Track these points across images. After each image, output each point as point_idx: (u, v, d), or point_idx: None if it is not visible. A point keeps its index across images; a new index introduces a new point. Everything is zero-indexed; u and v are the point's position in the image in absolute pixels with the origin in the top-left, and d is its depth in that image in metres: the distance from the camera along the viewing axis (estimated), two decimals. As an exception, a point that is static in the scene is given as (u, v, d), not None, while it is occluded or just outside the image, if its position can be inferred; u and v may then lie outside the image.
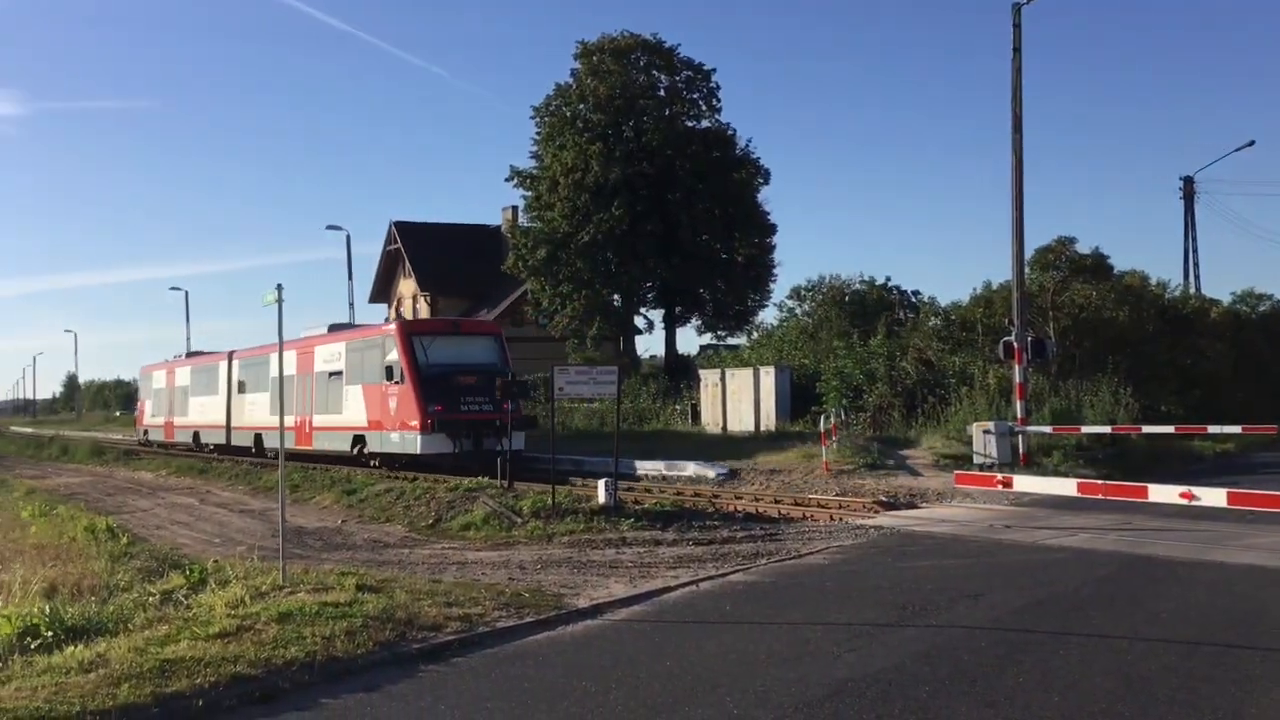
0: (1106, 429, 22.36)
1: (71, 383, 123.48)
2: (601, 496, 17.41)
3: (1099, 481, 12.09)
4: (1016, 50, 23.26)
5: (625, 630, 9.65)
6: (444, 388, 26.16)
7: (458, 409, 25.94)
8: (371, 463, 27.90)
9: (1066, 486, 12.34)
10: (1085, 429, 22.62)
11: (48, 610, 9.70)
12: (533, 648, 9.00)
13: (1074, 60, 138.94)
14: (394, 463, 27.05)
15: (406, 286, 60.57)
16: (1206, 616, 9.49)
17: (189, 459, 36.41)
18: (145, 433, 48.45)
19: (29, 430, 77.76)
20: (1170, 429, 22.95)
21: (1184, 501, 10.38)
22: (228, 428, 37.82)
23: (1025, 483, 13.10)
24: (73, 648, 8.60)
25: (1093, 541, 13.70)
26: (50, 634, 9.09)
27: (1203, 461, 25.18)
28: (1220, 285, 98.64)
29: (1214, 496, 8.84)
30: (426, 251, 57.88)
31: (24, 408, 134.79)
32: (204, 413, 40.61)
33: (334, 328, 32.64)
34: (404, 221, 59.83)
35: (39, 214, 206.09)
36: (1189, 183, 45.55)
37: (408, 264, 58.79)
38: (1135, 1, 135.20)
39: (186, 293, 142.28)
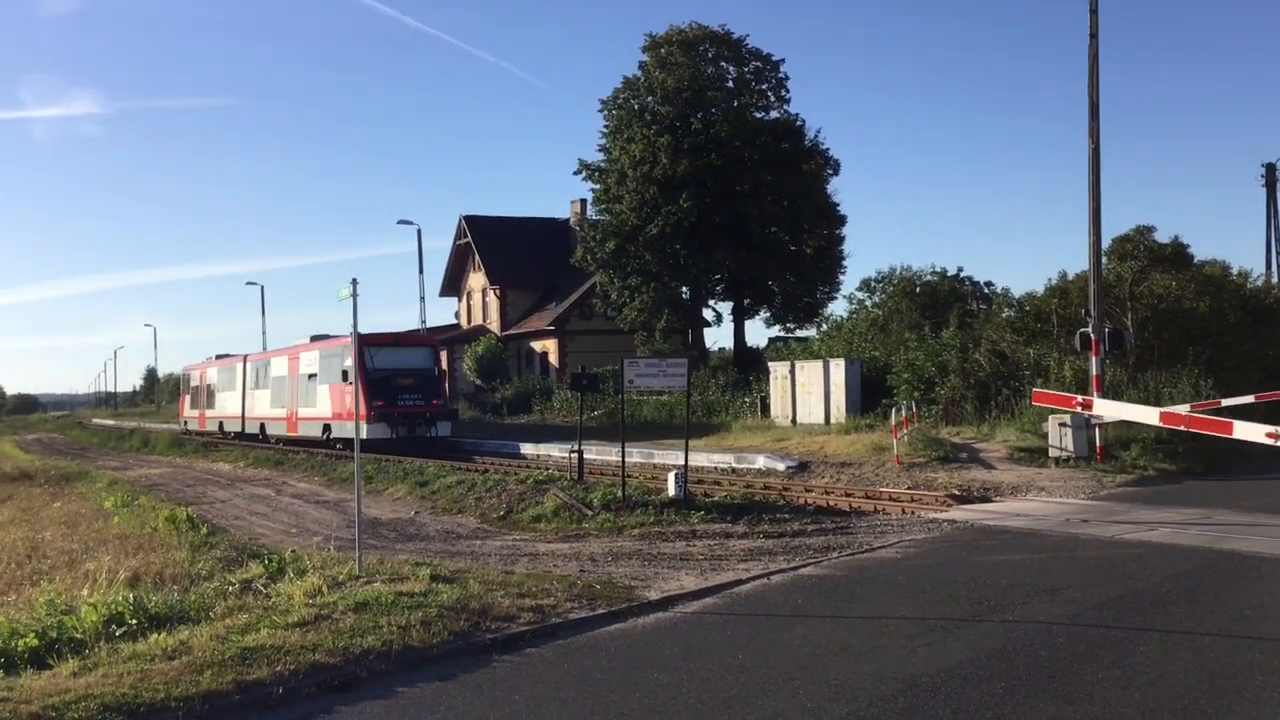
0: (1184, 407, 21.87)
1: (151, 376, 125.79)
2: (671, 489, 17.41)
3: (1182, 413, 11.50)
4: (1093, 36, 22.81)
5: (696, 622, 9.66)
6: (385, 387, 33.30)
7: (395, 404, 33.33)
8: (337, 445, 34.39)
9: (1149, 415, 11.76)
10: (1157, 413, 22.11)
11: (132, 599, 9.93)
12: (604, 639, 9.04)
13: (1153, 46, 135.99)
14: (350, 446, 31.69)
15: (476, 280, 61.05)
16: (1292, 613, 9.27)
17: (265, 451, 37.05)
18: (185, 423, 55.01)
19: (110, 422, 79.63)
20: (1249, 398, 22.05)
21: (1270, 441, 9.98)
22: (243, 418, 45.04)
23: (1104, 407, 12.53)
24: (156, 635, 8.81)
25: (1173, 536, 13.42)
26: (135, 622, 9.31)
27: (1288, 456, 24.51)
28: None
29: None
30: (496, 245, 58.27)
31: (105, 400, 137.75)
32: (225, 406, 47.93)
33: (315, 338, 39.64)
34: (474, 215, 60.28)
35: (120, 211, 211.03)
36: (1271, 170, 44.32)
37: (477, 258, 59.22)
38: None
39: (262, 287, 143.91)
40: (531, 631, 9.15)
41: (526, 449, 31.96)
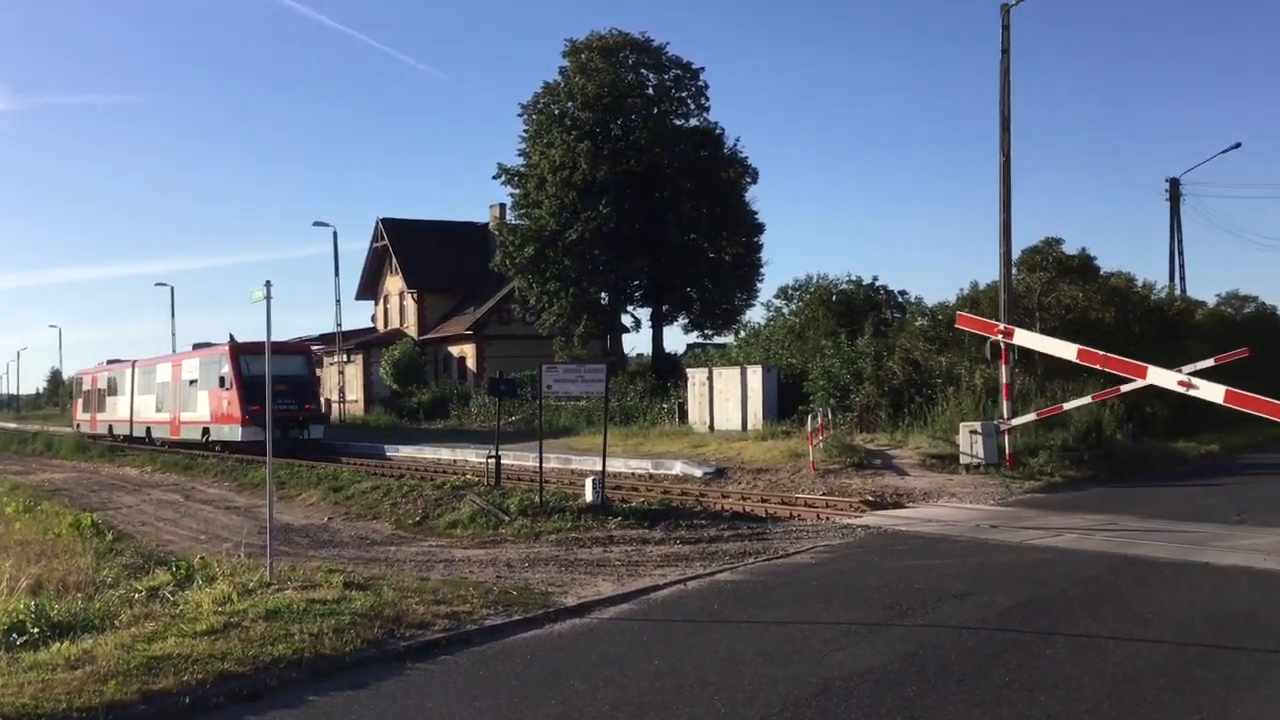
0: (1086, 399, 22.31)
1: (55, 378, 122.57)
2: (589, 495, 17.40)
3: (1098, 352, 11.51)
4: (1005, 51, 23.33)
5: (613, 629, 9.65)
6: (260, 392, 34.77)
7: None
8: (216, 448, 36.65)
9: (1067, 351, 11.78)
10: (1066, 407, 22.59)
11: (33, 607, 9.64)
12: (520, 646, 9.00)
13: (1062, 61, 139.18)
14: (227, 448, 36.02)
15: (394, 283, 60.47)
16: (1192, 617, 9.53)
17: (174, 456, 36.22)
18: (78, 425, 56.16)
19: (12, 426, 77.21)
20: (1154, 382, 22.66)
21: (1181, 389, 10.05)
22: (131, 421, 47.28)
23: (1023, 337, 12.54)
24: (59, 644, 8.57)
25: (1079, 542, 13.73)
26: (36, 630, 9.05)
27: (1187, 463, 25.26)
28: (1206, 287, 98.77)
29: (1212, 391, 8.55)
30: (414, 249, 57.78)
31: (8, 403, 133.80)
32: (115, 410, 49.99)
33: (197, 346, 42.86)
34: (392, 219, 59.70)
35: (25, 209, 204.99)
36: (1175, 185, 45.68)
37: (394, 261, 58.67)
38: (1123, 2, 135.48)
39: (172, 288, 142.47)
40: (446, 639, 9.06)
41: (443, 454, 31.72)
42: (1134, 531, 14.54)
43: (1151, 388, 19.50)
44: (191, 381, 40.79)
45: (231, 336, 38.44)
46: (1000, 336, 10.67)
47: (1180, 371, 18.52)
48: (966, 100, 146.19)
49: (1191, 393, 8.37)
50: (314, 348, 50.72)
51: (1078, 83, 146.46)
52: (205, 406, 39.11)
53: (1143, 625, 9.16)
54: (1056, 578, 11.42)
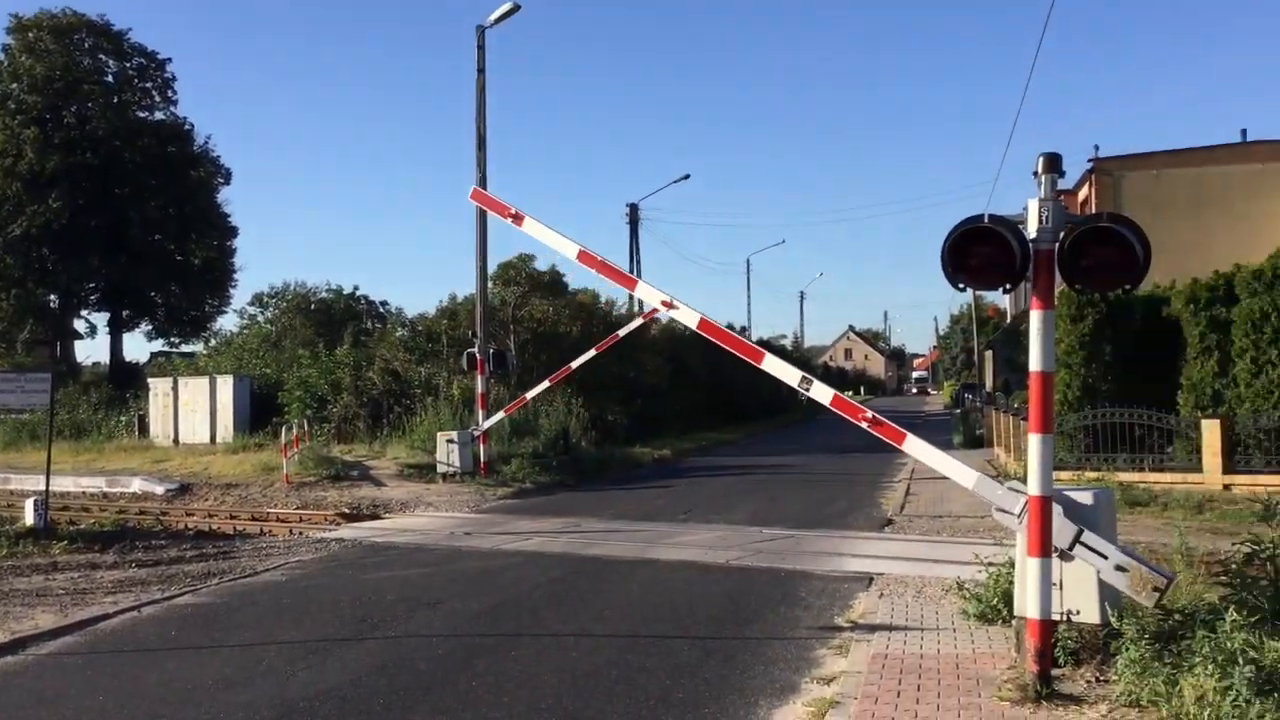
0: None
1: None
2: (30, 517, 15.57)
3: (596, 256, 11.15)
4: (481, 70, 24.00)
5: (52, 665, 8.65)
6: None
7: None
8: None
9: (568, 248, 11.38)
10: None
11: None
12: (-68, 696, 7.79)
13: (541, 86, 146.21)
14: None
15: None
16: (643, 611, 10.22)
17: None
18: None
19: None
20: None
21: (803, 389, 9.90)
22: None
23: (531, 225, 12.01)
24: None
25: (546, 545, 14.34)
26: None
27: (643, 467, 27.32)
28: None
29: (822, 393, 8.96)
30: None
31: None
32: None
33: None
34: None
35: None
36: (634, 209, 49.48)
37: None
38: (595, 33, 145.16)
39: None
40: None
41: None
42: (595, 533, 15.44)
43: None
44: None
45: None
46: (511, 220, 10.91)
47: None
48: (455, 116, 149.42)
49: (809, 393, 8.81)
50: None
51: (554, 105, 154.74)
52: None
53: (601, 621, 9.69)
54: (525, 580, 11.82)
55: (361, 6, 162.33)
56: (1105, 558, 7.05)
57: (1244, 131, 32.52)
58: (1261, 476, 18.14)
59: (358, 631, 9.45)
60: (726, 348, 9.35)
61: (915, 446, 8.04)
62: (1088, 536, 7.06)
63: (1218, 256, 23.24)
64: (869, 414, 8.37)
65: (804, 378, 8.94)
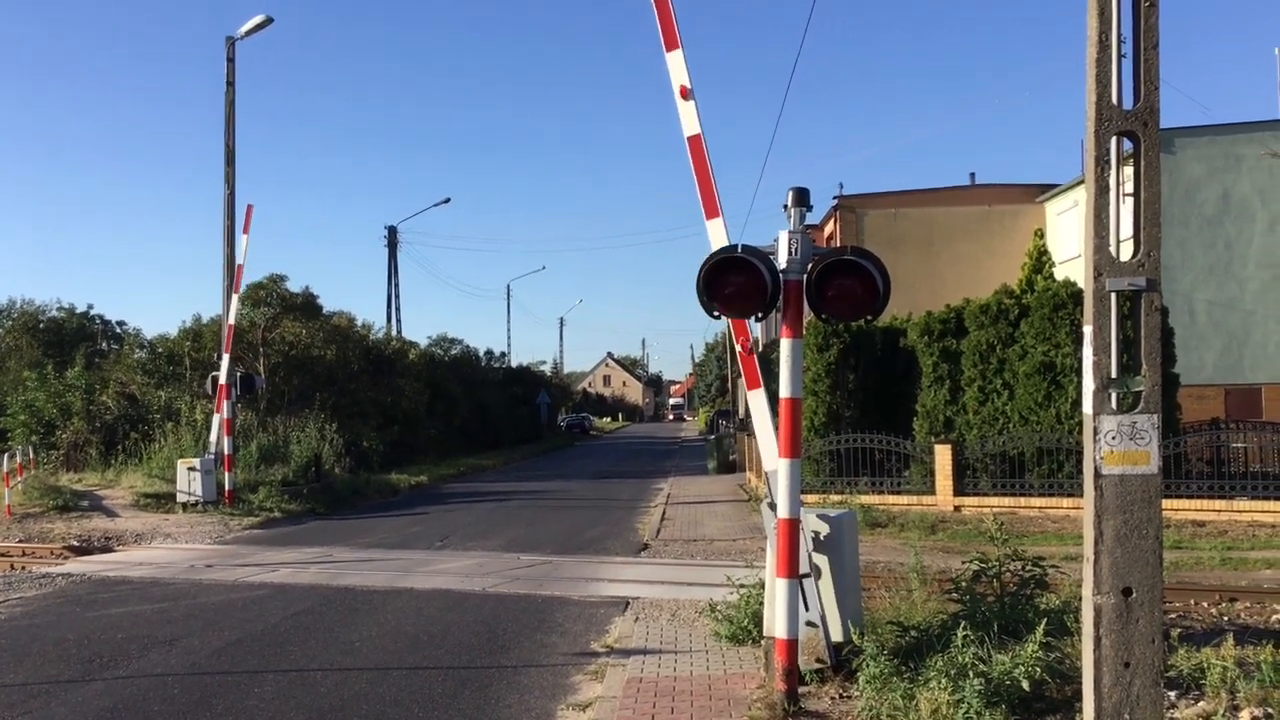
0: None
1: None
2: None
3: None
4: (230, 84, 23.07)
5: None
6: None
7: None
8: None
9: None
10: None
11: None
12: None
13: (294, 99, 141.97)
14: None
15: None
16: (396, 642, 9.93)
17: None
18: None
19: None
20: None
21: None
22: None
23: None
24: None
25: (294, 576, 13.78)
26: None
27: (399, 494, 26.71)
28: (419, 329, 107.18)
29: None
30: None
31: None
32: None
33: None
34: None
35: None
36: (393, 232, 48.61)
37: None
38: (358, 51, 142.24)
39: None
40: None
41: None
42: (347, 562, 14.95)
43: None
44: None
45: None
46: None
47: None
48: (198, 135, 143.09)
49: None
50: None
51: (315, 125, 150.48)
52: None
53: (351, 654, 9.35)
54: (269, 614, 11.29)
55: (105, 8, 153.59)
56: (807, 609, 7.41)
57: (973, 175, 35.00)
58: (988, 498, 19.39)
59: (85, 672, 8.78)
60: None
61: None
62: (806, 583, 7.39)
63: (950, 290, 24.84)
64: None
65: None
